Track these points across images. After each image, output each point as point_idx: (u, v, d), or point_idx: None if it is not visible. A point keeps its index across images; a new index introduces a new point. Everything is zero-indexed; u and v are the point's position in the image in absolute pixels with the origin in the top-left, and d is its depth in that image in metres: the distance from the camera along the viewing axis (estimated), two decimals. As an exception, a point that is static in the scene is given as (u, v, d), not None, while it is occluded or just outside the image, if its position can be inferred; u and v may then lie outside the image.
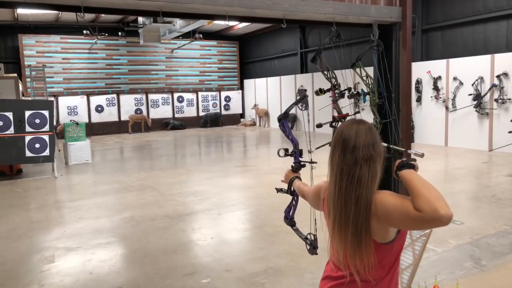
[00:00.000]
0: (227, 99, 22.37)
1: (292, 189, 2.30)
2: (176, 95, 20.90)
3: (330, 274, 1.71)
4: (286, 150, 2.50)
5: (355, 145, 1.58)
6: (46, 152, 9.05)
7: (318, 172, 2.50)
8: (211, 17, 3.45)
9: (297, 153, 2.46)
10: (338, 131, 1.66)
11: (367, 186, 1.57)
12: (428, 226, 1.52)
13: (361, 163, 1.57)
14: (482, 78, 10.61)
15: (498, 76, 10.21)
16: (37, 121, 9.04)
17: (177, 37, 18.23)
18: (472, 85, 10.80)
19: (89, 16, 16.89)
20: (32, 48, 17.51)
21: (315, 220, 2.41)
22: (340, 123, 3.71)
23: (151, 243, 4.90)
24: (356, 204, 1.55)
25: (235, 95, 22.56)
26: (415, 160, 1.70)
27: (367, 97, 3.83)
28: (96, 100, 18.97)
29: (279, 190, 2.53)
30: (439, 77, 11.76)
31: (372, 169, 1.59)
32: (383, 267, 1.61)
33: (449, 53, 12.13)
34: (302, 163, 2.44)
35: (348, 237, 1.57)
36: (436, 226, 1.46)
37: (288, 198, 2.55)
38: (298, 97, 2.82)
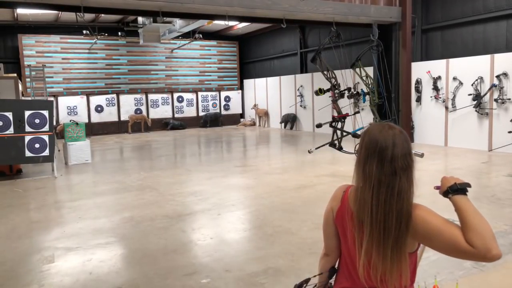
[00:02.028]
0: (227, 99, 22.38)
1: None
2: (176, 95, 20.90)
3: None
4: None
5: (393, 155, 1.51)
6: (46, 152, 9.05)
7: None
8: (211, 17, 3.45)
9: None
10: (372, 139, 1.56)
11: (407, 198, 1.53)
12: (473, 260, 1.45)
13: (400, 174, 1.51)
14: (481, 78, 10.61)
15: (497, 76, 10.21)
16: (37, 121, 9.03)
17: (177, 37, 18.23)
18: (472, 85, 10.80)
19: (88, 16, 16.87)
20: (32, 48, 17.51)
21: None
22: (340, 123, 3.71)
23: (151, 243, 4.90)
24: (397, 218, 1.50)
25: (235, 95, 22.56)
26: (469, 184, 1.61)
27: (367, 97, 3.83)
28: (95, 100, 18.97)
29: None
30: (439, 77, 11.76)
31: (409, 179, 1.54)
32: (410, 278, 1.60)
33: (448, 53, 12.14)
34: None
35: (388, 252, 1.51)
36: (480, 261, 1.44)
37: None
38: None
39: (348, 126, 3.73)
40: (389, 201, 1.51)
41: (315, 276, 1.80)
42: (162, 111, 20.56)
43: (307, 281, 1.87)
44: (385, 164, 1.51)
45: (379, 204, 1.52)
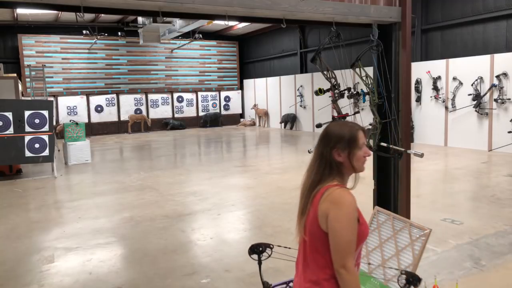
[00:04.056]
0: (227, 99, 22.37)
1: None
2: (175, 95, 20.90)
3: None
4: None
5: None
6: (46, 152, 9.04)
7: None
8: (211, 17, 3.45)
9: None
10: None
11: (316, 173, 1.84)
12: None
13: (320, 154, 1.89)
14: (481, 78, 10.61)
15: (497, 76, 10.21)
16: (37, 121, 9.03)
17: (176, 37, 18.23)
18: (472, 85, 10.81)
19: (88, 16, 16.89)
20: (32, 48, 17.51)
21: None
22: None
23: (151, 243, 4.90)
24: (309, 188, 1.84)
25: (234, 95, 22.56)
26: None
27: (367, 97, 3.83)
28: (95, 100, 18.97)
29: None
30: (439, 77, 11.77)
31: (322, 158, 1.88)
32: None
33: (448, 53, 12.14)
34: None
35: (299, 215, 1.94)
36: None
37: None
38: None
39: (348, 126, 3.72)
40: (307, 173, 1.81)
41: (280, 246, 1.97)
42: (162, 111, 20.56)
43: (268, 246, 2.22)
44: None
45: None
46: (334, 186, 1.72)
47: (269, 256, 2.19)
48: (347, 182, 1.82)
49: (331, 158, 1.76)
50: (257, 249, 2.21)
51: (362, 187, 7.48)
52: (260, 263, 2.21)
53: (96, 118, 18.95)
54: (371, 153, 1.81)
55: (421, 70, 12.07)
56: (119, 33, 17.41)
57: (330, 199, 1.68)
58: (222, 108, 22.25)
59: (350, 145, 1.74)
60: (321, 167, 1.78)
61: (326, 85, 3.64)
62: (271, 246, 2.20)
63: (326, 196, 1.69)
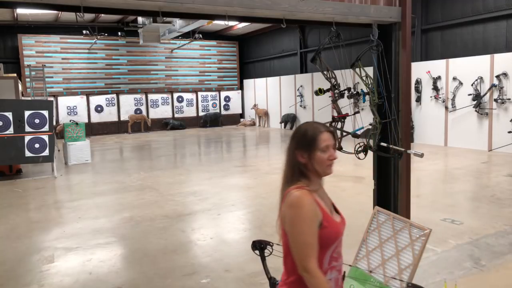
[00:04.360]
0: (227, 99, 22.37)
1: None
2: (175, 95, 20.90)
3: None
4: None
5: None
6: (46, 152, 9.04)
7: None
8: (211, 17, 3.45)
9: None
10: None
11: (284, 173, 1.85)
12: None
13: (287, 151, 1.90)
14: (481, 78, 10.61)
15: (497, 76, 10.21)
16: (37, 121, 9.03)
17: (176, 37, 18.23)
18: (472, 85, 10.81)
19: (88, 16, 16.89)
20: (32, 48, 17.51)
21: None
22: (339, 123, 3.71)
23: (151, 243, 4.90)
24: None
25: (234, 95, 22.56)
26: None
27: (367, 97, 3.82)
28: (95, 100, 18.97)
29: None
30: (439, 77, 11.77)
31: (288, 158, 1.87)
32: None
33: (448, 53, 12.14)
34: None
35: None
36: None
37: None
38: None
39: (348, 126, 3.72)
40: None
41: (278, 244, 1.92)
42: (162, 111, 20.56)
43: (268, 243, 2.19)
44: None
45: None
46: (295, 188, 1.70)
47: (270, 253, 2.19)
48: (316, 185, 1.77)
49: (295, 159, 1.74)
50: (259, 245, 2.21)
51: (362, 187, 7.50)
52: (263, 259, 2.21)
53: (96, 118, 18.95)
54: (337, 157, 1.77)
55: (421, 70, 12.07)
56: (119, 33, 17.42)
57: (287, 202, 1.68)
58: (222, 108, 22.25)
59: (311, 146, 1.71)
60: (288, 169, 1.77)
61: (326, 85, 3.64)
62: (271, 244, 2.21)
63: (286, 199, 1.69)
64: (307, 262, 1.61)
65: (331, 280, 1.74)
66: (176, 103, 20.95)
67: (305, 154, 1.72)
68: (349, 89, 3.63)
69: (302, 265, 1.62)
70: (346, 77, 3.74)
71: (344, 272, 1.98)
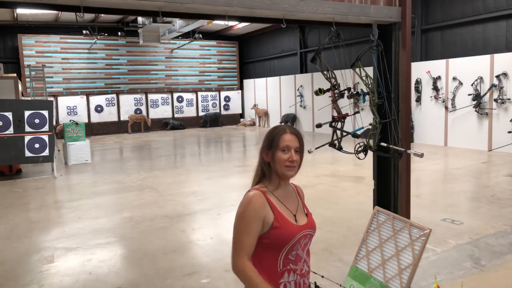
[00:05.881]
0: (227, 99, 22.38)
1: None
2: (175, 95, 20.91)
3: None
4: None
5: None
6: (46, 152, 9.04)
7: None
8: (211, 17, 3.45)
9: None
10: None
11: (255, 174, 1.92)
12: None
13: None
14: (481, 78, 10.61)
15: (497, 76, 10.22)
16: (37, 121, 9.03)
17: (176, 37, 18.23)
18: (472, 85, 10.81)
19: (88, 16, 16.89)
20: (32, 48, 17.51)
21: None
22: (339, 123, 3.70)
23: (151, 243, 4.90)
24: None
25: (234, 95, 22.56)
26: None
27: (367, 97, 3.82)
28: (95, 100, 18.97)
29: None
30: (439, 77, 11.77)
31: (260, 158, 1.88)
32: None
33: (448, 53, 12.14)
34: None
35: None
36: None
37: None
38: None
39: (348, 126, 3.72)
40: None
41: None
42: (162, 111, 20.56)
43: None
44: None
45: None
46: (252, 189, 1.76)
47: None
48: (275, 185, 1.78)
49: (261, 158, 1.79)
50: None
51: (362, 187, 7.50)
52: None
53: (96, 118, 18.95)
54: (295, 160, 1.76)
55: (421, 70, 12.08)
56: (119, 33, 17.42)
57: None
58: (222, 108, 22.25)
59: (272, 145, 1.74)
60: (256, 169, 1.82)
61: (326, 85, 3.64)
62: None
63: None
64: (235, 258, 1.64)
65: (289, 283, 1.71)
66: (176, 103, 20.95)
67: (269, 153, 1.75)
68: (349, 89, 3.63)
69: (232, 260, 1.65)
70: (346, 77, 3.74)
71: (315, 282, 1.94)
